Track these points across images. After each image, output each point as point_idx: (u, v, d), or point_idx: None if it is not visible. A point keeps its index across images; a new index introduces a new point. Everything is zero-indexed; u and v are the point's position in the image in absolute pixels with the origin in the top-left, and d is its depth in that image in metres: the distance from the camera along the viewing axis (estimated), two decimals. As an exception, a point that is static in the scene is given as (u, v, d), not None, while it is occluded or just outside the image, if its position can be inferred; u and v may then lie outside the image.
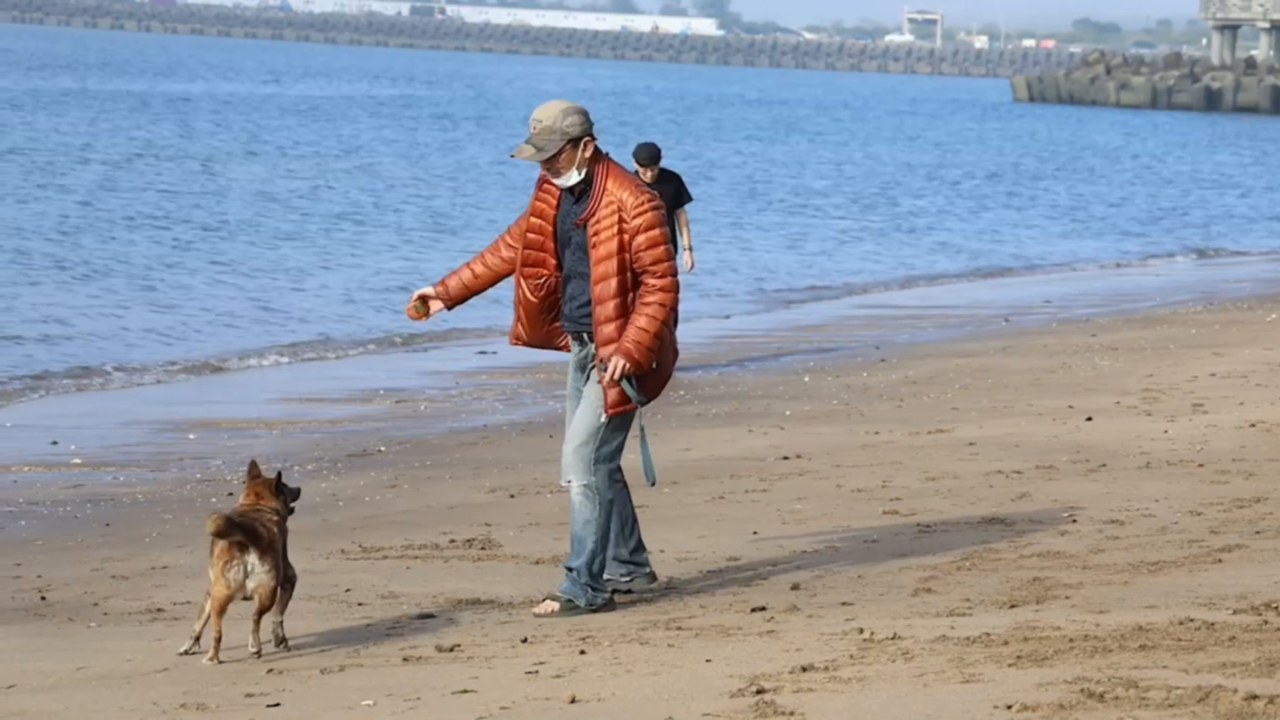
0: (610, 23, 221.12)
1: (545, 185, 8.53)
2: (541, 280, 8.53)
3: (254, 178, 40.18)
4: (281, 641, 7.94)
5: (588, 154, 8.38)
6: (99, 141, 48.06)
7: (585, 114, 8.44)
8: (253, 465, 8.15)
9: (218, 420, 15.34)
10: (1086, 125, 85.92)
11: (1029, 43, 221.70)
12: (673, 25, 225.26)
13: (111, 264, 25.70)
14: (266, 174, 41.31)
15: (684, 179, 17.76)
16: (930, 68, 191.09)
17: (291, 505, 8.10)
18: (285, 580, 7.89)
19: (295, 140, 52.80)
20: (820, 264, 30.34)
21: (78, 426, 14.99)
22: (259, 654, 7.81)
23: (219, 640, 7.73)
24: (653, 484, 8.61)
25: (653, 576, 8.85)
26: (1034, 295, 26.48)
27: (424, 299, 8.71)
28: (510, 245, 8.63)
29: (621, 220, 8.29)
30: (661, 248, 8.28)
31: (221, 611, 7.72)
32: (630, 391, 8.34)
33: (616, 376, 8.27)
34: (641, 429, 8.51)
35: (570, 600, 8.46)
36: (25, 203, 32.89)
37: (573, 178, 8.40)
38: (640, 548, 8.79)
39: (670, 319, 8.36)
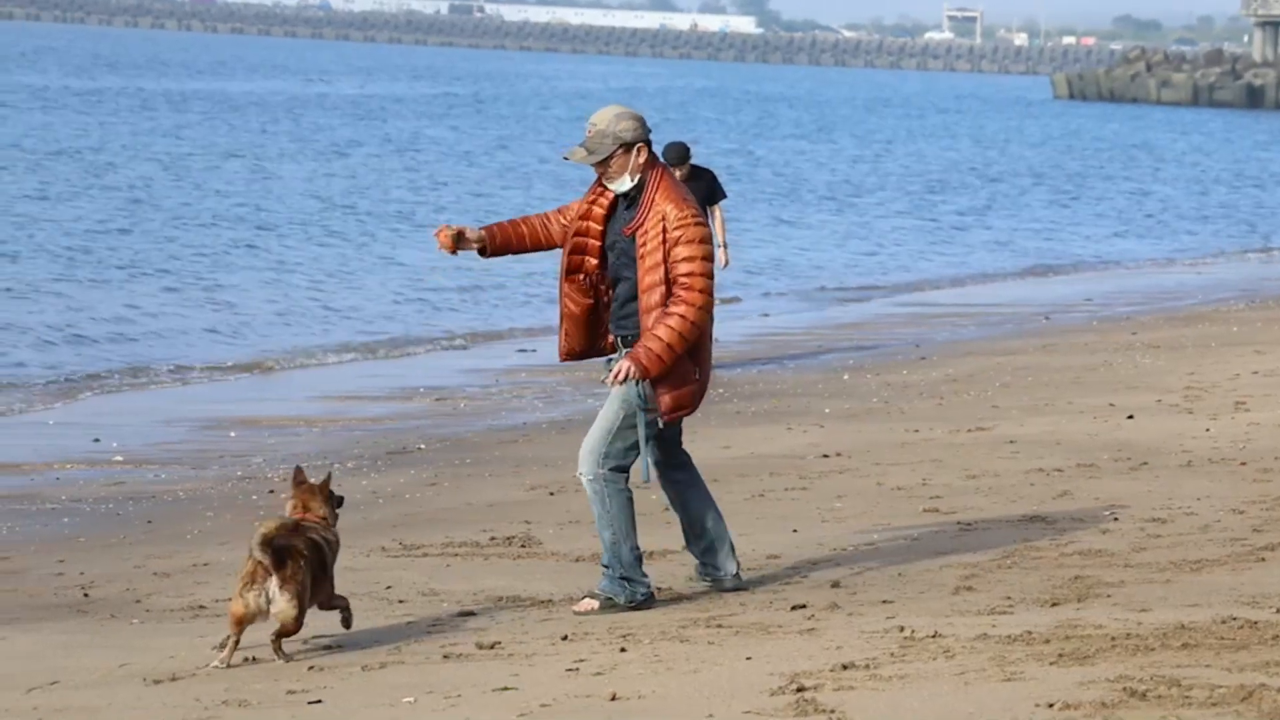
0: (649, 20, 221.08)
1: (599, 189, 8.55)
2: (584, 280, 8.54)
3: (304, 177, 40.25)
4: (345, 616, 8.05)
5: (641, 160, 8.41)
6: (152, 141, 48.15)
7: (640, 120, 8.46)
8: (298, 471, 8.17)
9: (259, 418, 15.38)
10: (1129, 123, 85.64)
11: (1069, 40, 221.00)
12: (711, 23, 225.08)
13: (164, 263, 25.75)
14: (317, 173, 41.36)
15: (718, 175, 17.73)
16: (970, 65, 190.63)
17: (335, 512, 8.14)
18: (334, 607, 8.01)
19: (345, 139, 52.80)
20: (862, 262, 30.31)
21: (119, 424, 15.05)
22: (288, 658, 7.84)
23: (234, 648, 7.71)
24: (646, 482, 8.60)
25: (723, 584, 8.75)
26: (1075, 293, 26.41)
27: (461, 234, 8.57)
28: (560, 223, 8.63)
29: (665, 231, 8.33)
30: (697, 263, 8.29)
31: (236, 625, 7.70)
32: (634, 397, 8.37)
33: (620, 379, 8.31)
34: (646, 433, 8.48)
35: (609, 598, 8.50)
36: (78, 202, 33.00)
37: (625, 184, 8.44)
38: (714, 550, 8.76)
39: (692, 333, 8.31)
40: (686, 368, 8.41)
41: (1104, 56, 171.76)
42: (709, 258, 8.36)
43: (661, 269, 8.32)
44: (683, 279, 8.30)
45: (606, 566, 8.53)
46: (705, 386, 8.54)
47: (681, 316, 8.28)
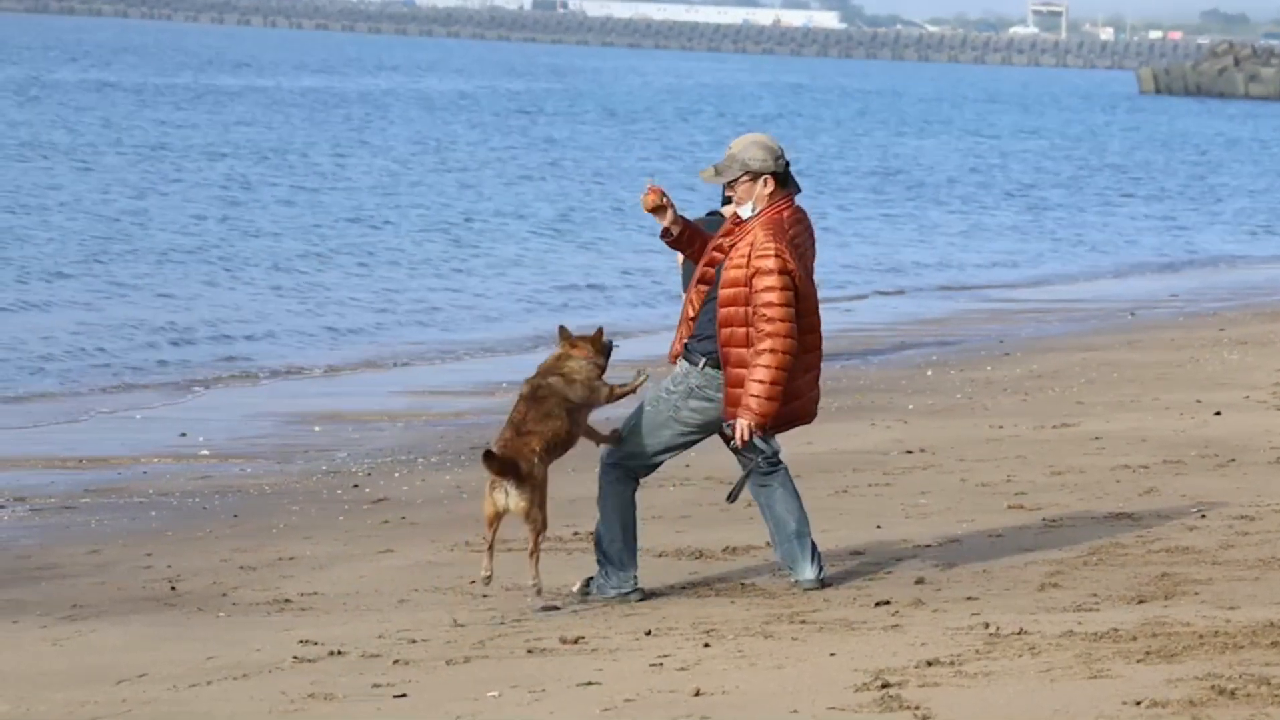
0: (732, 16, 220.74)
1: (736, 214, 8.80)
2: (707, 290, 8.74)
3: (406, 174, 40.30)
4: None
5: (766, 191, 8.57)
6: (270, 136, 48.41)
7: (772, 152, 8.58)
8: (562, 329, 8.80)
9: (342, 413, 15.46)
10: (1221, 118, 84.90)
11: (1155, 34, 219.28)
12: (795, 18, 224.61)
13: (280, 261, 25.89)
14: (422, 172, 41.40)
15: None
16: (1055, 60, 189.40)
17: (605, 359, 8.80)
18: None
19: (456, 137, 52.74)
20: (947, 257, 30.18)
21: (205, 419, 15.16)
22: (539, 591, 8.43)
23: (491, 549, 8.42)
24: (730, 501, 8.87)
25: (802, 586, 8.79)
26: (1160, 289, 26.23)
27: (665, 207, 8.71)
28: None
29: (750, 256, 8.49)
30: (776, 293, 8.41)
31: (490, 524, 8.43)
32: (763, 445, 8.60)
33: (746, 438, 8.52)
34: (750, 468, 8.68)
35: (588, 579, 8.80)
36: (172, 196, 33.24)
37: (748, 210, 8.63)
38: (793, 555, 8.81)
39: (786, 362, 8.45)
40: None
41: (1191, 51, 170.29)
42: (788, 288, 8.44)
43: (740, 290, 8.49)
44: (763, 310, 8.45)
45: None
46: (798, 411, 8.62)
47: (771, 351, 8.44)
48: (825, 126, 67.21)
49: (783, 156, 8.60)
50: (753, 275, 8.44)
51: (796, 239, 8.54)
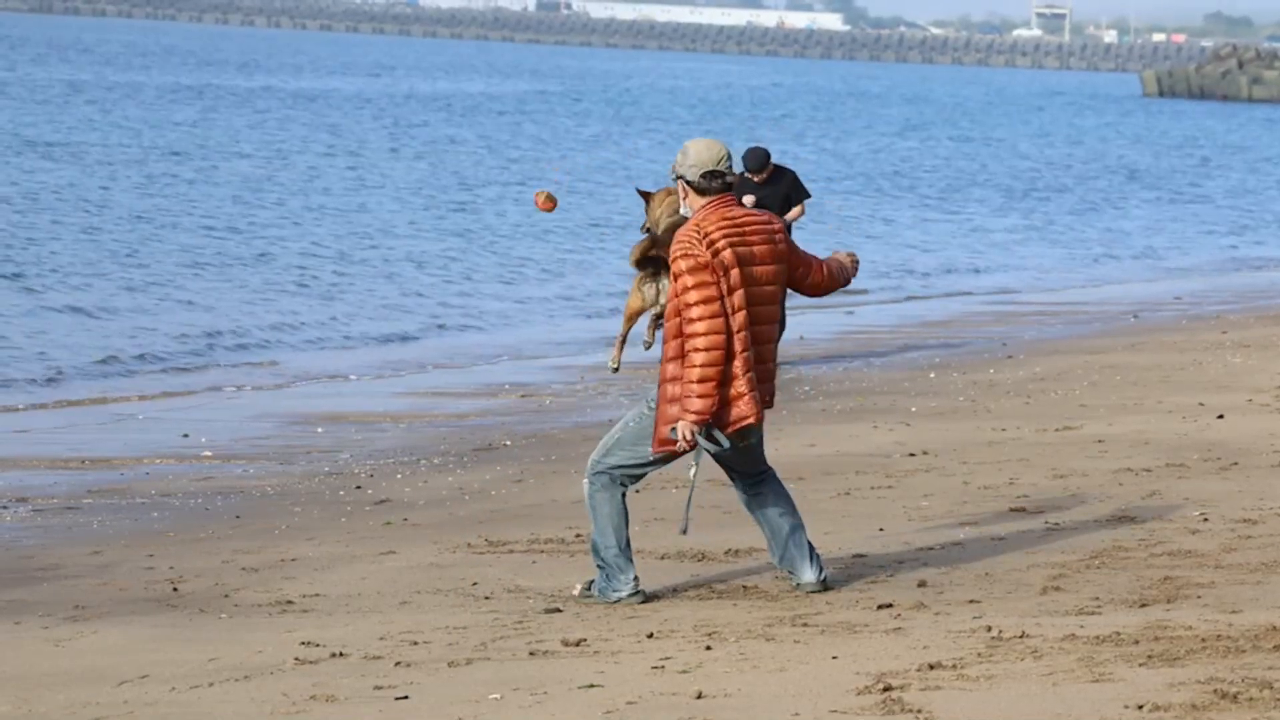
0: (736, 17, 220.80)
1: None
2: None
3: (431, 178, 40.26)
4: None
5: (683, 195, 8.65)
6: (300, 139, 48.39)
7: (688, 157, 8.55)
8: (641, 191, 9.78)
9: (345, 414, 15.46)
10: (1227, 121, 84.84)
11: (1159, 37, 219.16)
12: (798, 20, 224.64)
13: (288, 261, 25.89)
14: (445, 174, 41.33)
15: (799, 175, 17.69)
16: (1058, 62, 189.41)
17: None
18: None
19: (477, 139, 52.65)
20: (952, 259, 30.18)
21: (208, 419, 15.17)
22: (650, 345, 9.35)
23: (622, 344, 9.43)
24: (682, 533, 8.86)
25: (804, 590, 8.81)
26: (1163, 291, 26.22)
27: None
28: None
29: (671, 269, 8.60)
30: (691, 292, 8.44)
31: (630, 319, 9.39)
32: (707, 445, 8.52)
33: (688, 437, 8.49)
34: (693, 478, 8.67)
35: (589, 582, 8.84)
36: (192, 196, 33.27)
37: (684, 210, 8.78)
38: (792, 559, 8.82)
39: (711, 358, 8.41)
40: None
41: (1194, 53, 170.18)
42: (703, 284, 8.43)
43: (675, 301, 8.56)
44: (685, 310, 8.49)
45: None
46: (733, 411, 8.51)
47: (695, 348, 8.47)
48: (831, 126, 67.17)
49: (702, 166, 8.51)
50: (674, 280, 8.52)
51: (711, 234, 8.46)
